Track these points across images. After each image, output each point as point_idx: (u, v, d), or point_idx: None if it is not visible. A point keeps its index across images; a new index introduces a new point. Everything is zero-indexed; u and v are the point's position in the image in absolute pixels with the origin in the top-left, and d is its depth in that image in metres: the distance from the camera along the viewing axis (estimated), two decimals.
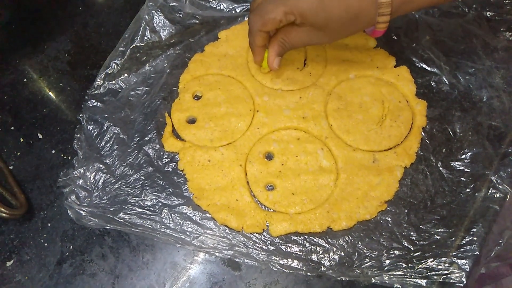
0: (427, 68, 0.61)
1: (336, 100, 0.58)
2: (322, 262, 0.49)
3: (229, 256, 0.49)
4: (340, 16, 0.46)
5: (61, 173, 0.54)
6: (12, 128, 0.59)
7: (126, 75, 0.61)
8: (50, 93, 0.62)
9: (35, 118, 0.60)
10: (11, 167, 0.56)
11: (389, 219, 0.51)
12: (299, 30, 0.49)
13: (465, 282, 0.46)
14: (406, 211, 0.52)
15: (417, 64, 0.62)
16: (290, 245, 0.50)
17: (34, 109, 0.60)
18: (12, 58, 0.65)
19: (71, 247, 0.51)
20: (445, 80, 0.60)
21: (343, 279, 0.48)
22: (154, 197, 0.53)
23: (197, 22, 0.65)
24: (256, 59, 0.56)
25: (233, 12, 0.66)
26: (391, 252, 0.49)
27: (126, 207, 0.52)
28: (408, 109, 0.58)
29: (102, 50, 0.65)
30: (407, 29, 0.64)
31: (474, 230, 0.49)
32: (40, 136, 0.58)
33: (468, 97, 0.59)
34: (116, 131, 0.57)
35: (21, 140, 0.58)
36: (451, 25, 0.64)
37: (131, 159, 0.55)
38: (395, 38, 0.63)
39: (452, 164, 0.54)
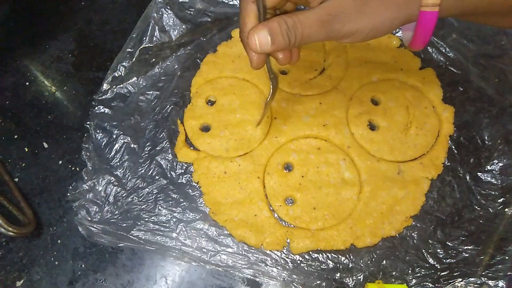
0: (454, 70, 0.58)
1: (358, 106, 0.55)
2: (346, 281, 0.47)
3: (248, 275, 0.47)
4: None
5: (70, 187, 0.51)
6: (15, 136, 0.56)
7: (134, 78, 0.57)
8: (54, 97, 0.58)
9: (40, 125, 0.56)
10: (16, 179, 0.53)
11: (415, 235, 0.49)
12: (313, 12, 0.33)
13: None
14: (432, 226, 0.49)
15: (443, 66, 0.58)
16: (311, 263, 0.48)
17: (38, 115, 0.57)
18: (12, 58, 0.61)
19: (83, 265, 0.49)
20: (473, 84, 0.57)
21: None
22: (168, 212, 0.50)
23: (209, 20, 0.61)
24: (251, 62, 0.37)
25: None
26: (417, 271, 0.47)
27: (139, 223, 0.49)
28: (435, 116, 0.54)
29: (108, 50, 0.61)
30: None
31: (506, 248, 0.47)
32: (45, 145, 0.55)
33: (497, 102, 0.55)
34: (126, 140, 0.54)
35: (26, 149, 0.55)
36: (479, 23, 0.60)
37: (142, 171, 0.52)
38: None
39: (480, 175, 0.52)
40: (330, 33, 0.33)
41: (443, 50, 0.59)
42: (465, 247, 0.48)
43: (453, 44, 0.59)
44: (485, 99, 0.56)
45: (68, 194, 0.51)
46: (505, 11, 0.35)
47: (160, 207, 0.50)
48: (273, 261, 0.48)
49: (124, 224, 0.49)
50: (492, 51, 0.58)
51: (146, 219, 0.50)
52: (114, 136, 0.54)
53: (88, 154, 0.53)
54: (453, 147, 0.53)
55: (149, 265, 0.49)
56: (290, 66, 0.58)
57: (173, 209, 0.50)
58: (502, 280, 0.46)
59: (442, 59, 0.58)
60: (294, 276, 0.47)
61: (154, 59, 0.58)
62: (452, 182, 0.52)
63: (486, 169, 0.52)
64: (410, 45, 0.38)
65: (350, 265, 0.48)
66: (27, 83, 0.59)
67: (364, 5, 0.33)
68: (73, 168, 0.54)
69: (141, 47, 0.58)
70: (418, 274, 0.47)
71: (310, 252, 0.48)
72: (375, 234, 0.49)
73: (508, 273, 0.46)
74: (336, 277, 0.47)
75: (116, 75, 0.57)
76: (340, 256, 0.48)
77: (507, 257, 0.47)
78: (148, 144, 0.54)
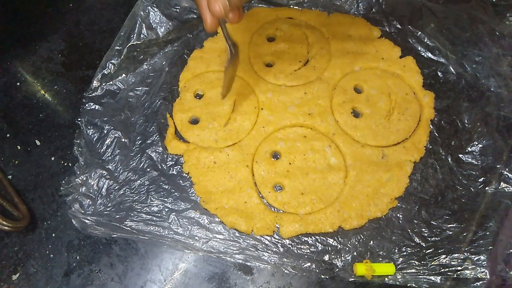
0: (433, 57, 0.60)
1: (342, 94, 0.57)
2: (335, 262, 0.48)
3: (240, 260, 0.48)
4: None
5: (63, 181, 0.52)
6: (8, 135, 0.57)
7: (123, 75, 0.58)
8: (45, 96, 0.59)
9: (32, 124, 0.57)
10: (9, 177, 0.54)
11: (400, 215, 0.51)
12: None
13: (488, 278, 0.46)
14: (417, 207, 0.51)
15: (423, 54, 0.60)
16: (301, 246, 0.49)
17: (30, 114, 0.58)
18: (3, 60, 0.62)
19: (77, 257, 0.50)
20: (452, 70, 0.59)
21: (356, 280, 0.47)
22: (160, 203, 0.51)
23: (195, 16, 0.62)
24: (206, 23, 0.42)
25: None
26: (403, 250, 0.49)
27: (132, 214, 0.51)
28: (416, 102, 0.56)
29: (97, 49, 0.62)
30: (411, 17, 0.62)
31: (487, 225, 0.49)
32: (38, 142, 0.56)
33: (475, 87, 0.58)
34: (117, 135, 0.55)
35: (19, 147, 0.56)
36: (456, 12, 0.62)
37: (134, 164, 0.54)
38: (400, 27, 0.62)
39: (461, 157, 0.53)
40: None
41: (423, 39, 0.61)
42: (449, 225, 0.50)
43: (431, 33, 0.61)
44: (464, 84, 0.58)
45: (61, 188, 0.52)
46: None
47: (152, 198, 0.52)
48: (264, 245, 0.49)
49: (117, 216, 0.50)
50: (469, 39, 0.60)
51: (139, 210, 0.51)
52: (105, 131, 0.55)
53: (80, 149, 0.54)
54: (434, 130, 0.55)
55: (142, 255, 0.50)
56: (275, 59, 0.59)
57: (165, 199, 0.52)
58: (484, 255, 0.47)
59: (421, 47, 0.60)
60: (285, 259, 0.49)
61: (142, 56, 0.60)
62: (435, 164, 0.53)
63: (466, 150, 0.54)
64: None
65: (339, 247, 0.49)
66: (18, 84, 0.60)
67: None
68: (65, 164, 0.55)
69: (129, 44, 0.59)
70: (404, 253, 0.48)
71: (300, 236, 0.50)
72: (362, 216, 0.50)
73: (489, 248, 0.47)
74: (325, 259, 0.49)
75: (106, 72, 0.58)
76: (328, 239, 0.50)
77: (488, 233, 0.49)
78: (138, 138, 0.55)
